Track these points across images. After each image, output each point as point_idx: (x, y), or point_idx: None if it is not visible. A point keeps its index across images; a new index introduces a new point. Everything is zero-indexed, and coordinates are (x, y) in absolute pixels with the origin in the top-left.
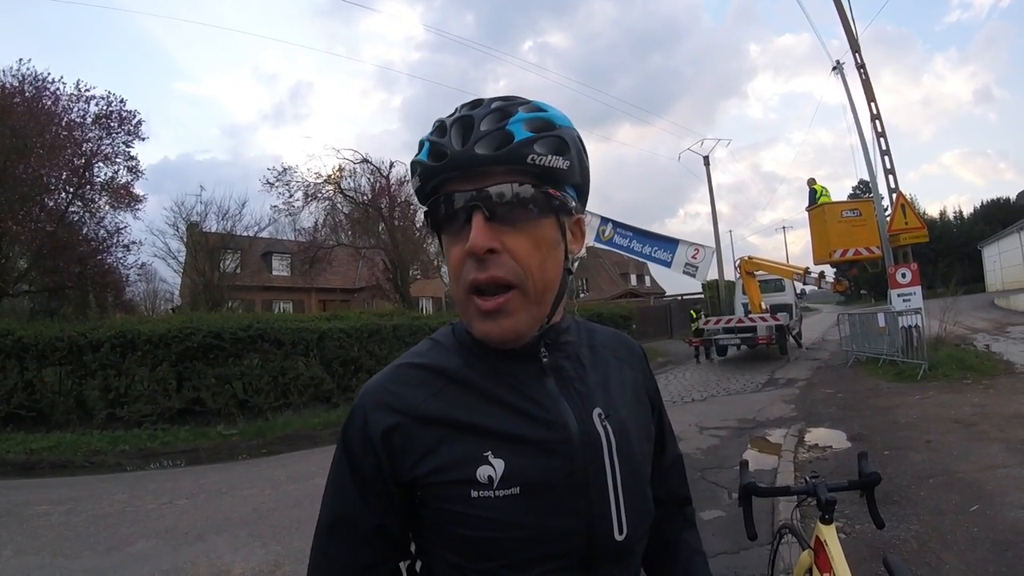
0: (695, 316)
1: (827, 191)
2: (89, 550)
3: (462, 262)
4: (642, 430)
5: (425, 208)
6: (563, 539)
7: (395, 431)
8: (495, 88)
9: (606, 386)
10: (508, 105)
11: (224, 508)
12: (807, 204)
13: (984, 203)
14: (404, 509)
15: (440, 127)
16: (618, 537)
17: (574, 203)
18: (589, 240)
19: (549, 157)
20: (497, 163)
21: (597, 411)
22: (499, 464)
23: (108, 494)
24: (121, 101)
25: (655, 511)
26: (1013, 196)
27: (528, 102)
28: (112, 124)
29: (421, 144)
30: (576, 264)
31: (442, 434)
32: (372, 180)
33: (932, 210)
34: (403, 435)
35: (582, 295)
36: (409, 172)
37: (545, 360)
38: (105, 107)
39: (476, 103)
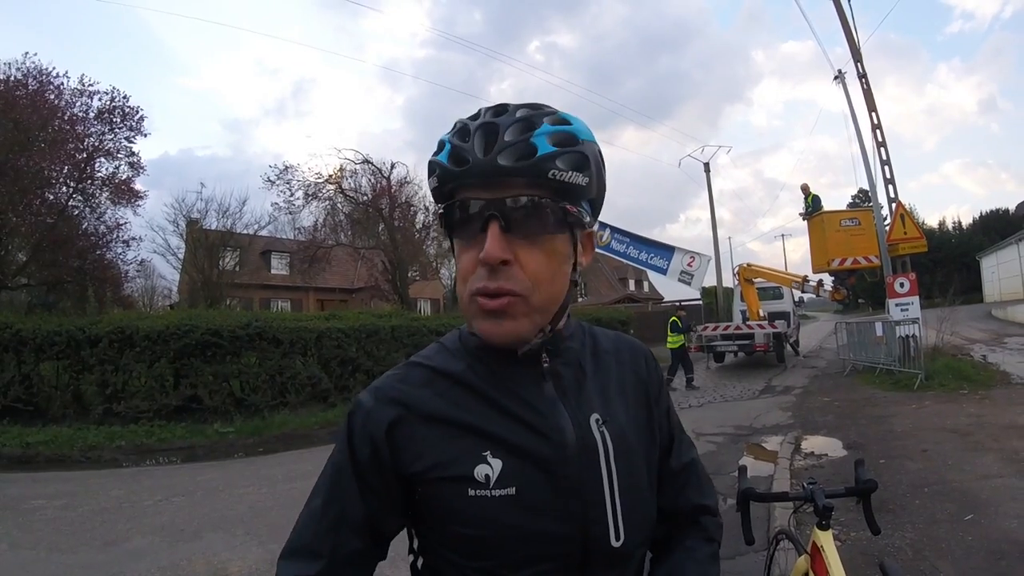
0: (690, 326)
1: (819, 198)
2: (85, 545)
3: (473, 268)
4: (644, 435)
5: (441, 209)
6: (557, 542)
7: (399, 424)
8: (499, 89)
9: (606, 392)
10: (534, 115)
11: (221, 506)
12: (803, 210)
13: (983, 214)
14: (399, 504)
15: (463, 130)
16: (615, 543)
17: (588, 218)
18: None
19: (569, 173)
20: (518, 175)
21: (595, 417)
22: (496, 464)
23: (104, 489)
24: (124, 97)
25: (667, 523)
26: (1012, 207)
27: (554, 112)
28: (115, 119)
29: (441, 144)
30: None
31: (443, 432)
32: (373, 181)
33: (931, 220)
34: (406, 429)
35: (580, 299)
36: (427, 170)
37: (546, 366)
38: (108, 102)
39: (501, 109)
